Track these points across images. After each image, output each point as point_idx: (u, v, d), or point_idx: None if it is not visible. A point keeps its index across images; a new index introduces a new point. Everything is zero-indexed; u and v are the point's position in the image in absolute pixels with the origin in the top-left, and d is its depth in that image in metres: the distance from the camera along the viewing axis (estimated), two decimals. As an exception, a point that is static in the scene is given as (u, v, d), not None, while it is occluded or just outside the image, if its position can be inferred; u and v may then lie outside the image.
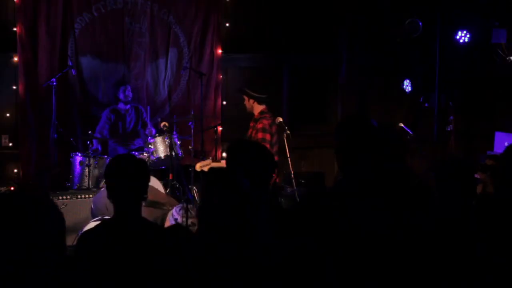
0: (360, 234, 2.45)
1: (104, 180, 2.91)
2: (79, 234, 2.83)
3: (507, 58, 7.07)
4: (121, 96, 6.79)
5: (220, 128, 7.33)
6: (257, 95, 5.54)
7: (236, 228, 2.47)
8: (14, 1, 6.59)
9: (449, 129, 6.78)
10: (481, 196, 4.27)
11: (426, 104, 7.76)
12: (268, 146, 5.12)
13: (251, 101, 5.55)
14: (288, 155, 5.30)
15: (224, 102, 7.51)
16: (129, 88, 6.86)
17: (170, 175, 6.27)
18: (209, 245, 2.48)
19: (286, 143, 5.02)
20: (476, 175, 4.81)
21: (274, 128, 5.37)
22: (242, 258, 2.46)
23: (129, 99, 6.77)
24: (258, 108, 5.53)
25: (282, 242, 2.55)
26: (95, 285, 2.55)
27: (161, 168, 6.61)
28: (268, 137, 5.28)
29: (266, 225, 2.61)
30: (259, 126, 5.31)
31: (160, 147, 6.14)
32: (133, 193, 2.77)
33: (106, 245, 2.63)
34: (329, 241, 2.48)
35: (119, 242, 2.64)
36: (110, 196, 2.80)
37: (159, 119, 6.98)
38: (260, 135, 5.28)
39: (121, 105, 6.78)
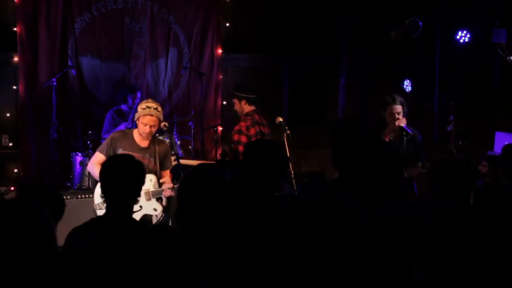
0: (356, 233, 2.45)
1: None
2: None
3: (507, 58, 7.07)
4: (130, 102, 6.77)
5: (220, 128, 7.33)
6: (248, 96, 5.28)
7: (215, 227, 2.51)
8: (14, 1, 6.60)
9: (449, 129, 6.77)
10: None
11: (426, 104, 7.76)
12: (242, 148, 4.98)
13: (243, 102, 5.29)
14: (288, 155, 5.29)
15: (224, 102, 7.51)
16: (138, 95, 6.83)
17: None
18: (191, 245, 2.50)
19: (286, 143, 4.99)
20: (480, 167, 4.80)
21: (252, 131, 5.15)
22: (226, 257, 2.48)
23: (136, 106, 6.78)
24: (246, 109, 5.28)
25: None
26: (81, 283, 2.55)
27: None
28: (243, 139, 5.09)
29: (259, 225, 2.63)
30: (236, 128, 5.17)
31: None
32: (126, 194, 2.77)
33: (93, 243, 2.64)
34: (325, 240, 2.49)
35: (106, 241, 2.65)
36: (103, 193, 2.82)
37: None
38: (235, 137, 5.13)
39: (124, 107, 6.77)
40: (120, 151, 4.87)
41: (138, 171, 2.86)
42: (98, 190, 4.91)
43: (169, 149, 5.21)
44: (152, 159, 4.89)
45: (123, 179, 2.77)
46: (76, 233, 2.75)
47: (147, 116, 4.77)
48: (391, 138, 4.99)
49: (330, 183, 2.71)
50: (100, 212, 4.84)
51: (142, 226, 2.91)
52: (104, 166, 2.87)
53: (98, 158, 4.89)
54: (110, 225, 2.72)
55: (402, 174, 4.63)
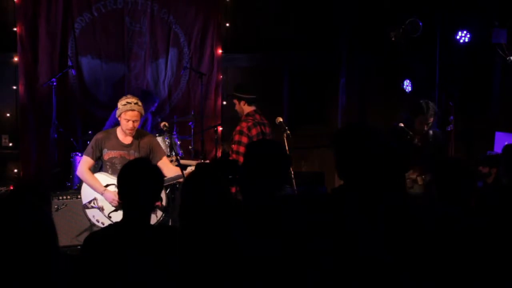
0: (355, 232, 2.45)
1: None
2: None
3: (507, 58, 7.07)
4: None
5: (220, 128, 7.33)
6: (247, 96, 5.27)
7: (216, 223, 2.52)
8: (14, 1, 6.60)
9: (449, 129, 6.78)
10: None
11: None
12: (242, 149, 4.95)
13: (242, 102, 5.27)
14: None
15: (224, 102, 7.51)
16: (156, 105, 6.89)
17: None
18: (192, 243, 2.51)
19: (286, 143, 5.00)
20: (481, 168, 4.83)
21: (254, 131, 5.13)
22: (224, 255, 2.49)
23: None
24: (246, 110, 5.27)
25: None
26: (96, 285, 2.56)
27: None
28: (244, 139, 5.06)
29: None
30: (237, 128, 5.15)
31: (160, 147, 6.14)
32: (144, 199, 2.76)
33: (110, 248, 2.63)
34: (325, 240, 2.49)
35: (123, 246, 2.64)
36: (121, 199, 2.81)
37: (159, 119, 6.99)
38: (236, 137, 5.12)
39: None
40: (105, 151, 4.91)
41: (157, 176, 2.85)
42: (84, 190, 4.96)
43: (155, 140, 5.20)
44: (137, 154, 4.90)
45: (141, 184, 2.75)
46: (94, 238, 2.74)
47: (128, 111, 4.81)
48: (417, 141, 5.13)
49: (335, 190, 2.69)
50: (88, 211, 4.92)
51: (158, 231, 2.87)
52: (122, 171, 2.86)
53: (86, 162, 4.91)
54: (128, 231, 2.71)
55: (404, 173, 4.65)
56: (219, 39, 7.44)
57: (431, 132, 5.25)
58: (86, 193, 4.94)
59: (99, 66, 7.02)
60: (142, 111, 4.92)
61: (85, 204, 4.93)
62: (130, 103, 4.82)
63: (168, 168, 4.98)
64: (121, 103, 4.86)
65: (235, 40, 7.60)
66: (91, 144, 4.96)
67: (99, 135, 4.99)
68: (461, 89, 7.64)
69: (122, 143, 4.94)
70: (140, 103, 4.89)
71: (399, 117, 5.47)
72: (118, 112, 4.88)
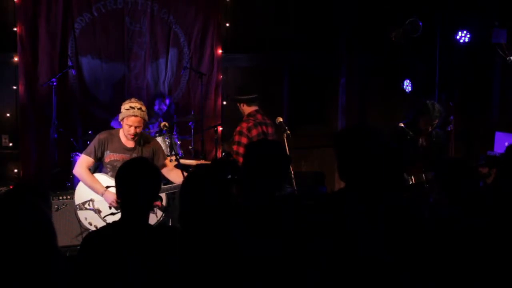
0: (356, 231, 2.45)
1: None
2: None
3: (507, 58, 7.07)
4: (156, 108, 6.77)
5: (220, 128, 7.33)
6: (245, 97, 5.31)
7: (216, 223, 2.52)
8: (14, 1, 6.59)
9: (449, 129, 6.79)
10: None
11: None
12: (242, 149, 4.94)
13: (242, 104, 5.32)
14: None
15: (224, 102, 7.51)
16: (167, 101, 6.85)
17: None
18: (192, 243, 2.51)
19: (286, 143, 5.01)
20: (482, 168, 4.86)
21: (254, 132, 5.15)
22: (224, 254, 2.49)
23: (162, 112, 6.80)
24: (247, 110, 5.31)
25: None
26: (94, 285, 2.56)
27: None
28: (244, 140, 5.07)
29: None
30: (237, 129, 5.17)
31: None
32: (143, 198, 2.75)
33: (108, 248, 2.63)
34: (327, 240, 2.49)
35: (121, 246, 2.64)
36: (119, 198, 2.80)
37: (161, 120, 6.98)
38: (236, 138, 5.12)
39: None
40: (107, 153, 4.85)
41: (155, 175, 2.84)
42: (79, 190, 4.92)
43: (157, 144, 5.14)
44: None
45: (140, 184, 2.74)
46: (92, 237, 2.74)
47: (131, 117, 4.71)
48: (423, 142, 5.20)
49: (335, 192, 2.69)
50: (81, 213, 4.86)
51: (157, 231, 2.87)
52: (121, 170, 2.85)
53: (86, 161, 4.85)
54: (126, 230, 2.70)
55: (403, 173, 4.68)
56: (219, 39, 7.44)
57: (433, 132, 5.28)
58: (81, 194, 4.87)
59: (99, 66, 7.01)
60: (146, 117, 4.82)
61: (78, 205, 4.85)
62: (134, 108, 4.71)
63: (171, 173, 4.96)
64: (124, 107, 4.76)
65: (235, 40, 7.60)
66: (93, 143, 4.89)
67: (102, 135, 4.91)
68: (461, 89, 7.65)
69: (125, 146, 4.87)
70: (144, 108, 4.79)
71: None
72: (120, 116, 4.78)
